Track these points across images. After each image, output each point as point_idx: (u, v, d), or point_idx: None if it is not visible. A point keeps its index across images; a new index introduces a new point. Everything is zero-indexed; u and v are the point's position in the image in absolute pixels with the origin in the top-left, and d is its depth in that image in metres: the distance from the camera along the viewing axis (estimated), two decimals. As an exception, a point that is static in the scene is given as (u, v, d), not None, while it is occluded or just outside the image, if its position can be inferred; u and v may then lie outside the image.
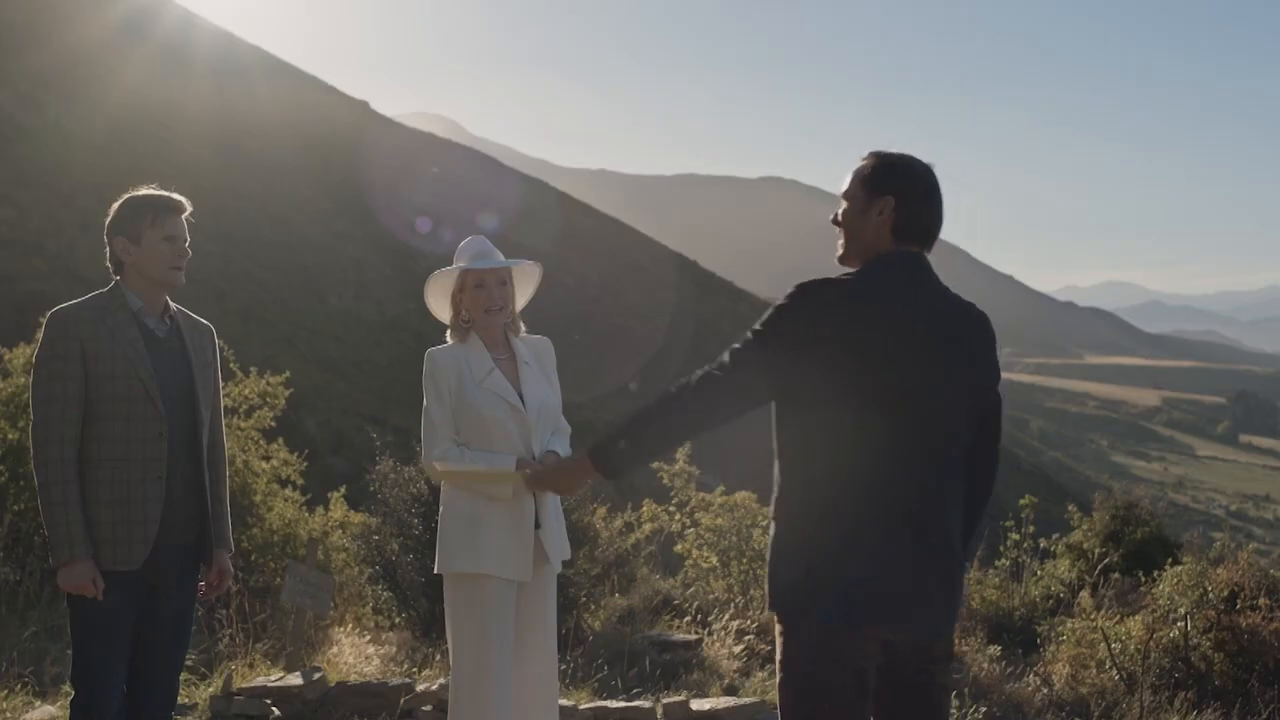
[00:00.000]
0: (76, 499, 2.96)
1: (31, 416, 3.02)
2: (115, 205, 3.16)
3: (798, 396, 2.49)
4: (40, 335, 3.08)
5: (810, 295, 2.49)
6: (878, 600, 2.42)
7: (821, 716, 2.44)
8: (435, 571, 3.44)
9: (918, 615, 2.47)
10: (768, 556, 2.56)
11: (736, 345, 2.53)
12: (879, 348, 2.44)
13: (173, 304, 3.23)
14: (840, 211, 2.66)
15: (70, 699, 3.10)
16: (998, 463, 2.70)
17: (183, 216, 3.16)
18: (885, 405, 2.43)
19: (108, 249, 3.15)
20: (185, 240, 3.16)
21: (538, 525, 3.37)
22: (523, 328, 3.58)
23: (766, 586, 2.56)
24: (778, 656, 2.54)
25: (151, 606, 3.11)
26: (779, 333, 2.48)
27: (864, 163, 2.64)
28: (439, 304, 3.52)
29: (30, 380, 3.06)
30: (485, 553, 3.30)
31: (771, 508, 2.58)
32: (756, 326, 2.53)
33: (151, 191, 3.16)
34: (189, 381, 3.17)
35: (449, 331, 3.51)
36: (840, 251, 2.67)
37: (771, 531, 2.56)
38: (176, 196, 3.17)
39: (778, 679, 2.54)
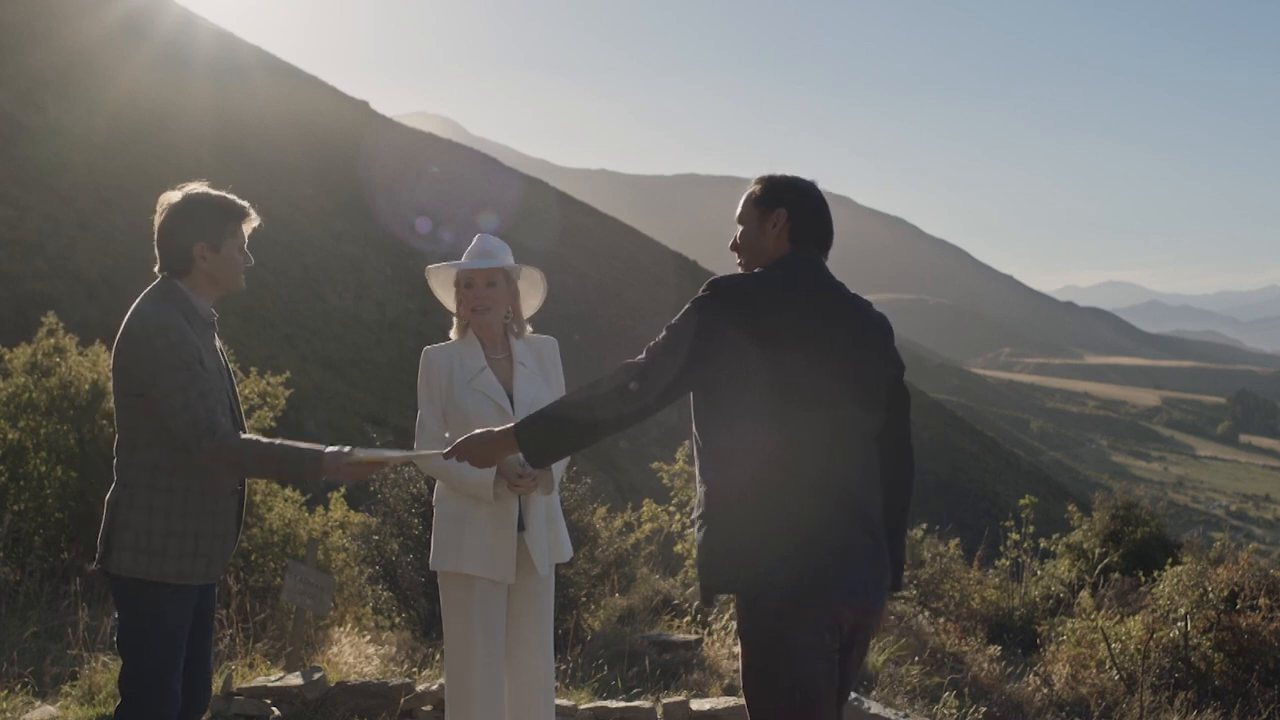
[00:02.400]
0: (267, 438, 2.88)
1: (180, 414, 2.81)
2: (185, 204, 3.00)
3: (718, 391, 2.58)
4: (141, 342, 2.88)
5: (723, 289, 2.60)
6: (840, 583, 2.50)
7: (806, 708, 2.49)
8: (430, 569, 3.47)
9: (869, 594, 2.58)
10: (702, 553, 2.59)
11: (656, 341, 2.60)
12: (798, 338, 2.55)
13: None
14: (737, 235, 2.84)
15: (130, 710, 2.96)
16: (911, 445, 2.82)
17: (252, 223, 3.12)
18: (810, 393, 2.53)
19: (175, 249, 2.99)
20: (248, 244, 3.13)
21: (523, 528, 3.37)
22: (528, 329, 3.57)
23: (707, 580, 2.59)
24: (744, 650, 2.57)
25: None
26: (698, 327, 2.56)
27: (753, 188, 2.84)
28: (446, 297, 3.53)
29: (164, 383, 2.83)
30: (468, 553, 3.34)
31: (701, 506, 2.62)
32: (673, 322, 2.61)
33: (225, 195, 3.06)
34: (234, 388, 3.15)
35: (452, 327, 3.52)
36: (740, 267, 2.83)
37: (702, 529, 2.59)
38: (244, 203, 3.09)
39: (748, 674, 2.56)
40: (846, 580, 2.50)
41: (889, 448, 2.74)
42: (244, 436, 2.89)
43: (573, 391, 2.65)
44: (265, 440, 2.89)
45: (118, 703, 3.00)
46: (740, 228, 2.83)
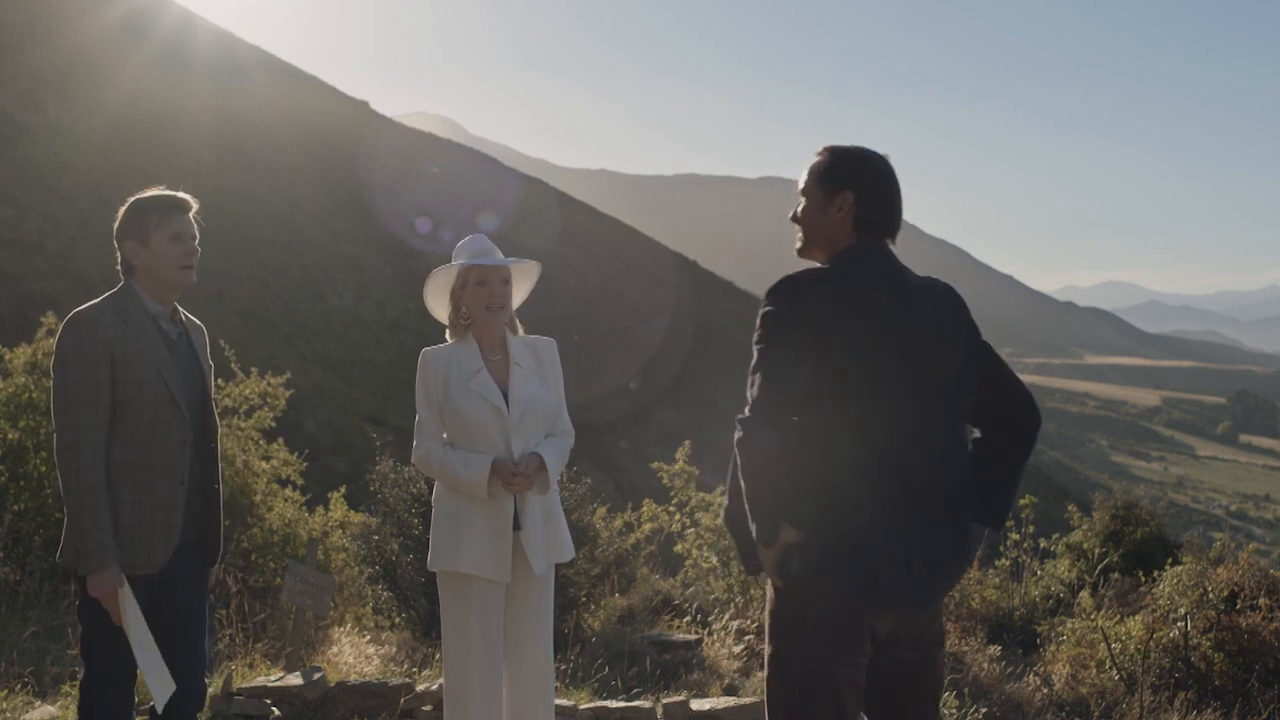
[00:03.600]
0: (106, 505, 2.92)
1: (56, 421, 2.96)
2: (122, 209, 3.12)
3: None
4: (59, 337, 3.01)
5: (792, 291, 2.47)
6: (887, 587, 2.40)
7: (807, 706, 2.44)
8: (429, 569, 3.48)
9: (896, 595, 2.46)
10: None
11: (758, 370, 2.46)
12: (867, 335, 2.44)
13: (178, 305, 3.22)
14: (799, 209, 2.66)
15: (79, 703, 3.06)
16: (1027, 394, 2.65)
17: (189, 214, 3.13)
18: (880, 390, 2.42)
19: (118, 253, 3.12)
20: (194, 238, 3.13)
21: (518, 527, 3.37)
22: (520, 328, 3.58)
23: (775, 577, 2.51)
24: (776, 648, 2.51)
25: (160, 606, 3.08)
26: (782, 337, 2.45)
27: (818, 159, 2.64)
28: (437, 301, 3.53)
29: (53, 384, 2.99)
30: (465, 552, 3.34)
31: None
32: (760, 343, 2.47)
33: (156, 192, 3.13)
34: (203, 386, 3.17)
35: (448, 330, 3.52)
36: (799, 245, 2.67)
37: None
38: (181, 195, 3.14)
39: (766, 663, 2.51)
40: (861, 580, 2.40)
41: (999, 412, 2.60)
42: (89, 476, 2.89)
43: (746, 489, 2.45)
44: (96, 503, 2.89)
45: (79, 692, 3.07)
46: (802, 200, 2.65)
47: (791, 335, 2.44)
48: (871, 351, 2.44)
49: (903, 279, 2.58)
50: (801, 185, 2.66)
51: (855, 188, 2.57)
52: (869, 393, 2.42)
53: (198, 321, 3.31)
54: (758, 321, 2.50)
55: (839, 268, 2.54)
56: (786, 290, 2.47)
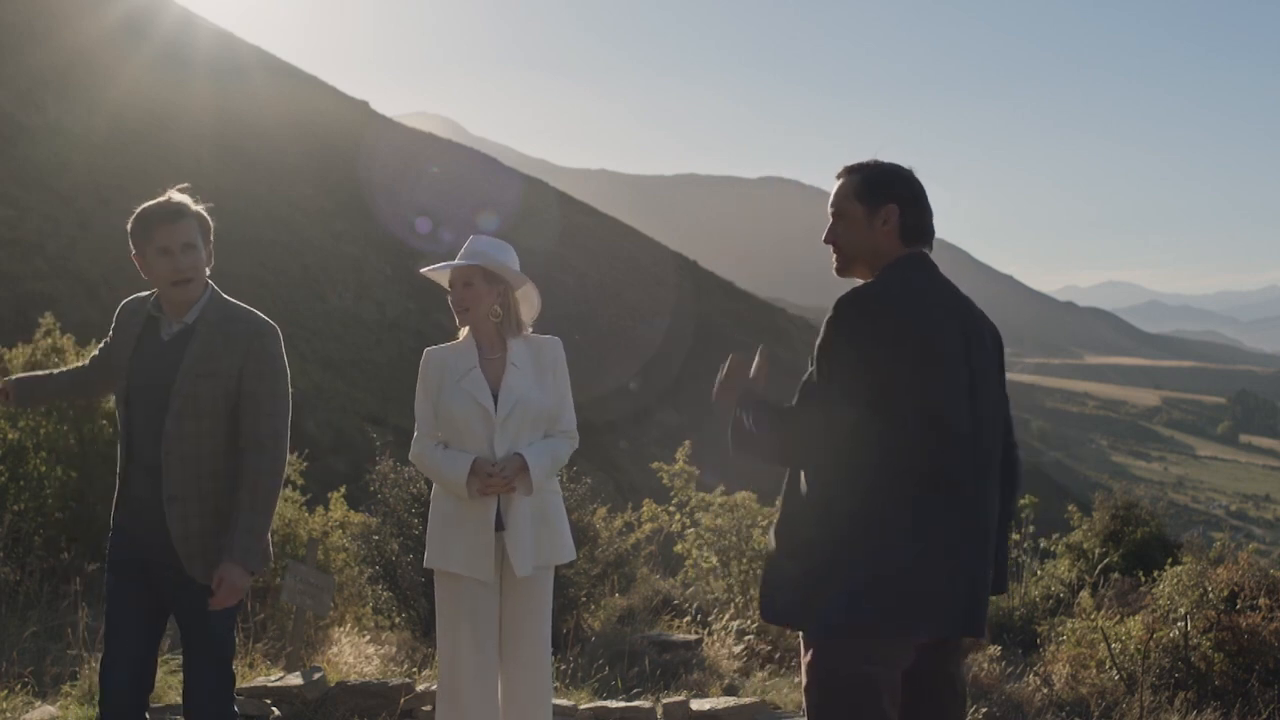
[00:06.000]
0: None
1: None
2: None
3: (843, 406, 2.45)
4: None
5: (854, 307, 2.47)
6: (924, 602, 2.42)
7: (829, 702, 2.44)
8: (425, 567, 3.53)
9: (966, 629, 2.51)
10: (797, 570, 2.49)
11: (814, 387, 2.48)
12: (927, 347, 2.44)
13: (230, 300, 3.16)
14: (834, 230, 2.67)
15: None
16: (1019, 451, 2.74)
17: (181, 221, 2.99)
18: (935, 405, 2.41)
19: None
20: (186, 248, 2.99)
21: (502, 527, 3.37)
22: (527, 330, 3.56)
23: (787, 599, 2.50)
24: (816, 654, 2.48)
25: (162, 617, 3.16)
26: (843, 357, 2.45)
27: (850, 178, 2.66)
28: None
29: None
30: (451, 551, 3.38)
31: (792, 519, 2.53)
32: (819, 366, 2.48)
33: (154, 202, 3.03)
34: (164, 387, 2.98)
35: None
36: (837, 264, 2.69)
37: (795, 544, 2.50)
38: (173, 204, 3.01)
39: (818, 678, 2.47)
40: (908, 614, 2.41)
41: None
42: None
43: (782, 419, 2.51)
44: None
45: None
46: (839, 221, 2.67)
47: (849, 361, 2.43)
48: (926, 363, 2.43)
49: (949, 290, 2.62)
50: (835, 206, 2.67)
51: (898, 200, 2.62)
52: (921, 407, 2.39)
53: (250, 320, 3.13)
54: (817, 344, 2.49)
55: (898, 276, 2.56)
56: (856, 304, 2.48)
